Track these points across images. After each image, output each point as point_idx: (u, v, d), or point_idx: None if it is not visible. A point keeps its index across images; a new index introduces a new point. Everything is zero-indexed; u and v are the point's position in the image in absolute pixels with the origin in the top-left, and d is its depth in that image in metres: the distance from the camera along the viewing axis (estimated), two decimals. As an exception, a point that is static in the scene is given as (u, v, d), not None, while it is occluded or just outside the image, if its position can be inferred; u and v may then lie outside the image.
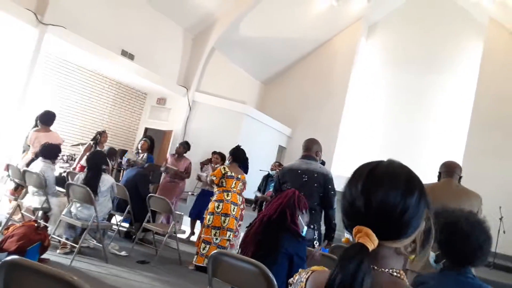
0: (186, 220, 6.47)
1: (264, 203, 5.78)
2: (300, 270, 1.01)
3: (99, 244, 4.42)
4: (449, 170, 2.94)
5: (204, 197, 6.13)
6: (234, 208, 4.70)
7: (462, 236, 1.64)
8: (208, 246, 4.58)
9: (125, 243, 5.19)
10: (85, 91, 8.70)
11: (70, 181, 4.55)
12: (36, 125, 5.43)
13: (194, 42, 10.20)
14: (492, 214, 5.82)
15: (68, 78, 8.31)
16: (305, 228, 2.53)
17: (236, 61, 11.09)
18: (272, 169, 7.43)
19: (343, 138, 11.53)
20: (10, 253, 3.34)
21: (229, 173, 4.74)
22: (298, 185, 3.15)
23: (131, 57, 8.65)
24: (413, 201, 0.83)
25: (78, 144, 7.49)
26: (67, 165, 7.01)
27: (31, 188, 4.61)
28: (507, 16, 9.74)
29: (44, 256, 3.73)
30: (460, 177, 2.98)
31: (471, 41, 10.64)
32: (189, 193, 8.32)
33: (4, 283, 1.33)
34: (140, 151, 6.25)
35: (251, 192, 6.96)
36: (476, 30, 10.51)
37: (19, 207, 4.70)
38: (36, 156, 4.77)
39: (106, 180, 4.42)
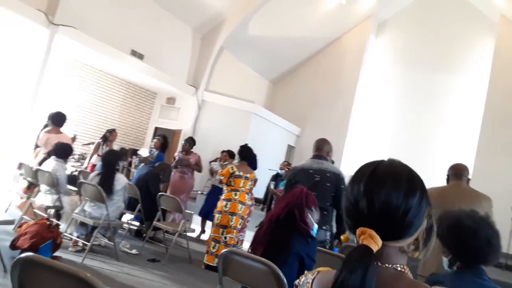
0: (197, 218, 6.50)
1: (273, 201, 5.78)
2: (306, 271, 1.01)
3: (110, 242, 4.46)
4: (458, 172, 2.91)
5: (215, 195, 6.13)
6: (242, 207, 4.72)
7: (469, 234, 1.63)
8: (217, 244, 4.62)
9: (136, 242, 5.23)
10: (95, 91, 8.79)
11: (82, 180, 4.61)
12: (46, 125, 5.50)
13: (202, 42, 10.24)
14: (504, 214, 5.73)
15: (78, 78, 8.40)
16: (316, 226, 2.49)
17: (245, 60, 11.09)
18: (281, 169, 7.44)
19: (352, 137, 11.45)
20: (23, 251, 3.39)
21: (237, 173, 4.75)
22: (310, 185, 3.09)
23: (140, 57, 8.71)
24: (415, 200, 0.84)
25: (89, 143, 7.56)
26: (78, 164, 7.10)
27: (43, 187, 4.67)
28: (519, 13, 9.60)
29: (56, 254, 3.77)
30: (468, 179, 2.95)
31: (482, 39, 10.50)
32: (199, 192, 8.35)
33: (19, 280, 1.34)
34: (153, 149, 6.33)
35: (258, 192, 6.94)
36: (487, 27, 10.37)
37: (31, 205, 4.76)
38: (49, 155, 4.83)
39: (121, 179, 4.47)
